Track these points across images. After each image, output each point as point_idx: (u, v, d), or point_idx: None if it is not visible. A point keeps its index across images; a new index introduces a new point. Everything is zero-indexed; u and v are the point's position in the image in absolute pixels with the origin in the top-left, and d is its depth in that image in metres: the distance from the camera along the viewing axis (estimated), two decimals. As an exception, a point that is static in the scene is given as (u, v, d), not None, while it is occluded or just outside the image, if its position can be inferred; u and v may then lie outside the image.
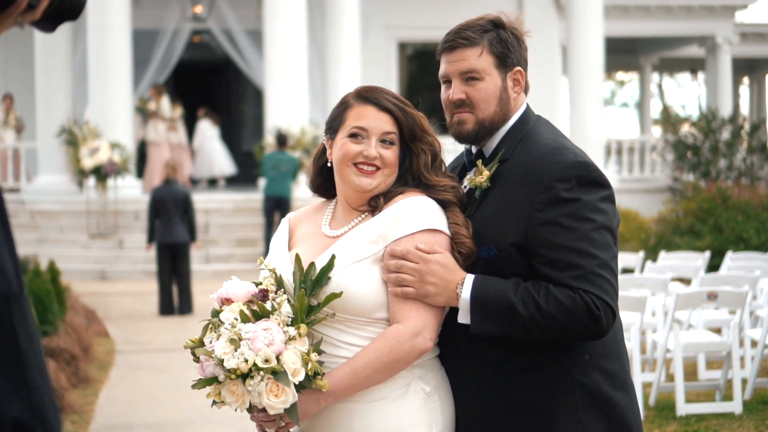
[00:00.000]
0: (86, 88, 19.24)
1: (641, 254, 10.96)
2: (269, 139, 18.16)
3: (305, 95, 18.83)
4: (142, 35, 20.95)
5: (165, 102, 21.05)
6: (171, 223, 13.33)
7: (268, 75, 18.83)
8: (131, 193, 18.46)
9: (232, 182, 23.64)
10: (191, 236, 13.54)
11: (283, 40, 18.51)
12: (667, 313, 8.80)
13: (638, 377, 7.74)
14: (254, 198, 18.47)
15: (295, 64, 18.60)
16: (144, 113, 20.88)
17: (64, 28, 19.71)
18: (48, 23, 1.70)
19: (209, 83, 27.09)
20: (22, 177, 20.90)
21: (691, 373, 9.15)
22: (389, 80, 22.97)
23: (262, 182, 17.72)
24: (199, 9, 21.84)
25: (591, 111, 20.60)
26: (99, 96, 18.51)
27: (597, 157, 19.15)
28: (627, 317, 8.17)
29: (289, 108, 18.40)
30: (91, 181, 17.74)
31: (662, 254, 11.28)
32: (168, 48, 21.74)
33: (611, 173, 21.53)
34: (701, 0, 25.44)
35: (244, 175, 23.44)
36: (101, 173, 17.44)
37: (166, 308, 13.40)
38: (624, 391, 3.00)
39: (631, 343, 7.78)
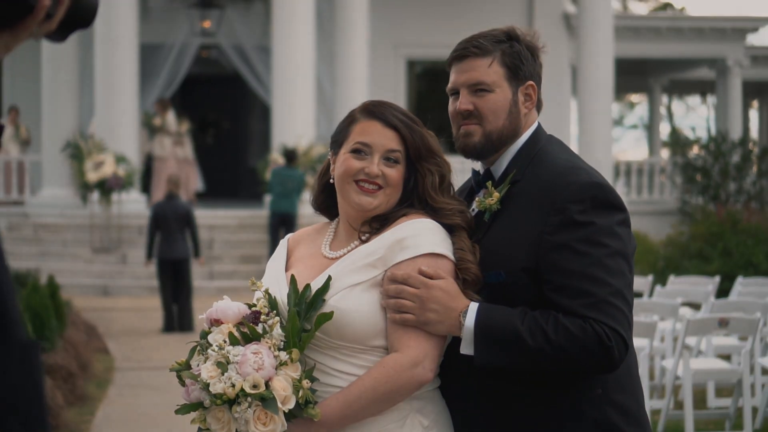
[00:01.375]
0: (92, 101, 19.15)
1: (650, 278, 10.80)
2: (276, 155, 18.03)
3: (312, 111, 18.73)
4: (149, 49, 20.86)
5: (170, 117, 20.95)
6: (172, 238, 13.17)
7: (276, 91, 18.73)
8: (135, 207, 18.32)
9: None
10: (195, 252, 13.40)
11: (292, 55, 18.41)
12: (676, 339, 8.63)
13: (647, 404, 7.56)
14: (259, 214, 18.32)
15: (304, 80, 18.50)
16: (149, 128, 20.77)
17: (71, 41, 19.64)
18: (60, 32, 1.63)
19: (216, 98, 26.99)
20: (26, 190, 20.81)
21: (700, 400, 8.98)
22: (398, 98, 22.83)
23: (267, 198, 17.59)
24: (207, 24, 21.77)
25: (600, 132, 20.48)
26: (105, 109, 18.42)
27: (606, 179, 18.97)
28: (636, 343, 7.92)
29: (297, 124, 18.28)
30: (95, 195, 17.63)
31: (671, 278, 11.11)
32: (175, 62, 21.65)
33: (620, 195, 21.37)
34: (712, 22, 25.34)
35: (249, 192, 23.26)
36: (105, 187, 17.34)
37: (168, 325, 13.25)
38: (639, 428, 2.83)
39: (640, 370, 7.60)
